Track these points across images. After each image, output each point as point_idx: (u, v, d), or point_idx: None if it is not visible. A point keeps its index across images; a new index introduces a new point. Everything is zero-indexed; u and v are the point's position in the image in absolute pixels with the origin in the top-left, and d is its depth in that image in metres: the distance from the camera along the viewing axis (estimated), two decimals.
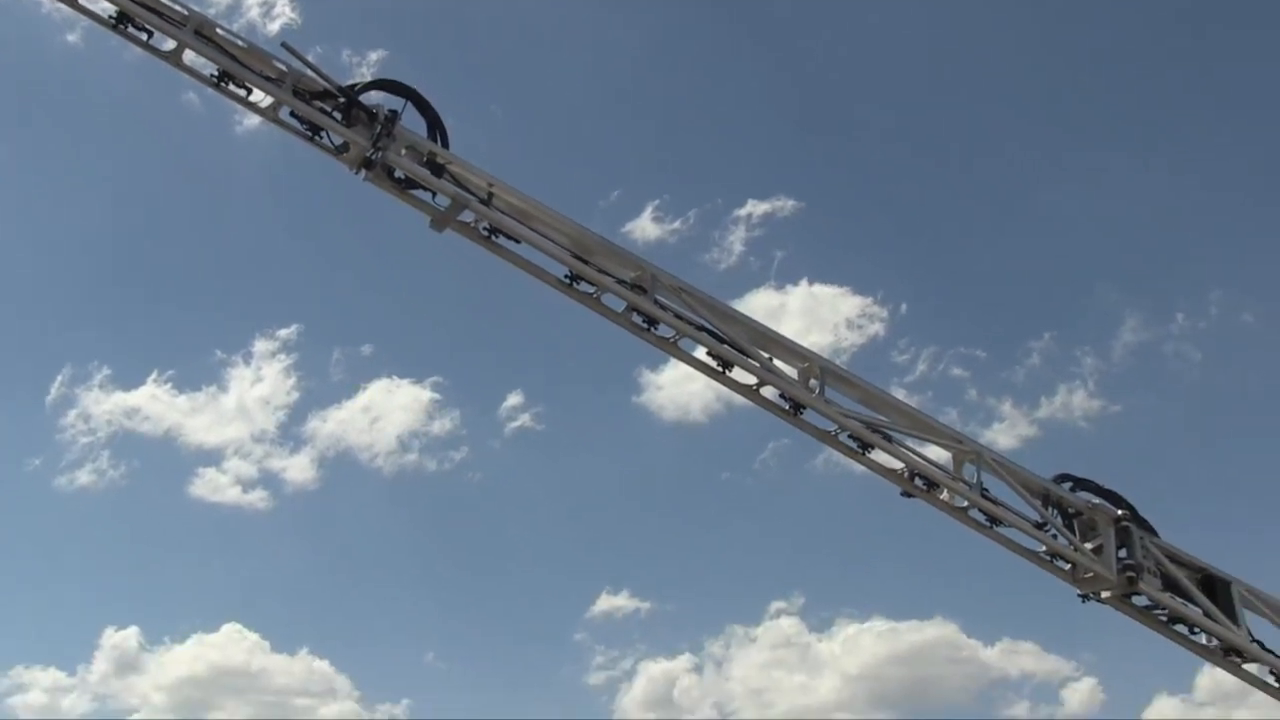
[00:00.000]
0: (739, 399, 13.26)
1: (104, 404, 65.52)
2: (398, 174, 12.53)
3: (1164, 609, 13.44)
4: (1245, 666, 13.82)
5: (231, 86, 12.32)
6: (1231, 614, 13.55)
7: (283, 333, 73.95)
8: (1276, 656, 13.68)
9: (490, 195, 12.70)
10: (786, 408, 12.97)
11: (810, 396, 12.87)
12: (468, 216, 12.72)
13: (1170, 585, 13.38)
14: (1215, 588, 13.64)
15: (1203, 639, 13.64)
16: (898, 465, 13.11)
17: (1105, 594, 13.32)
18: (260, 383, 71.05)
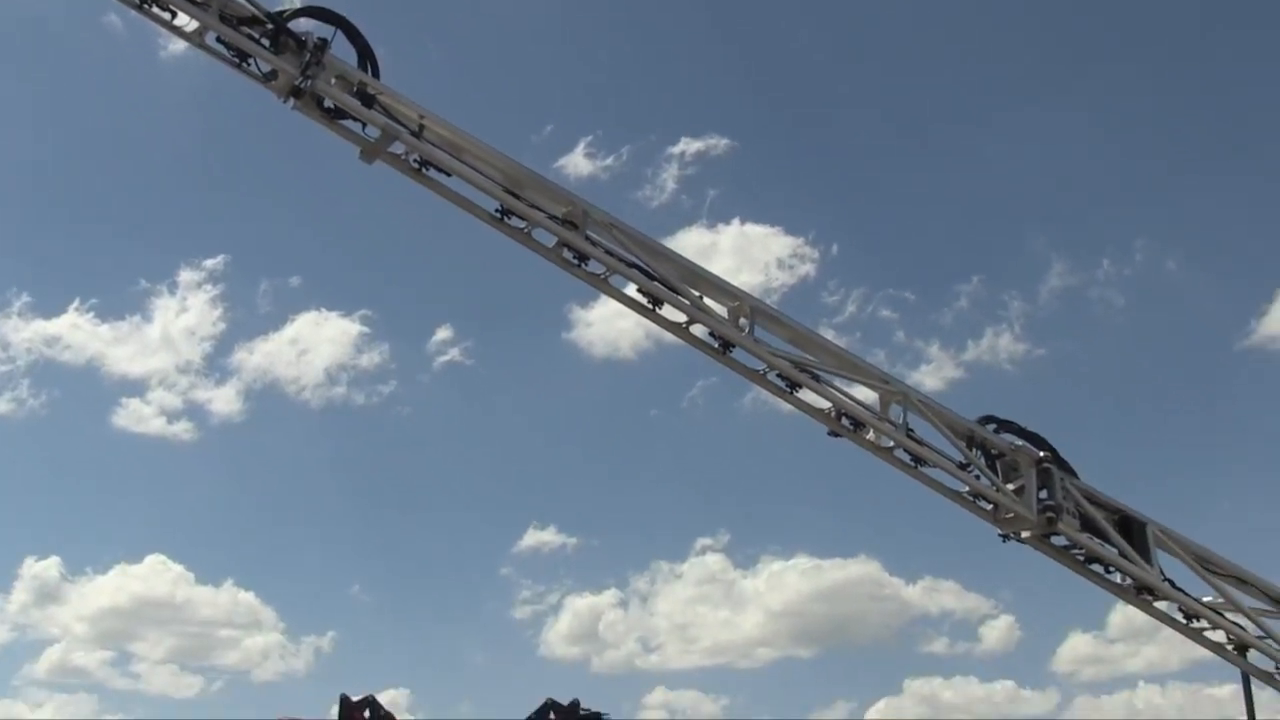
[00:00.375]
0: (669, 337, 13.31)
1: (23, 332, 64.33)
2: (327, 103, 12.33)
3: (1081, 549, 13.71)
4: (1156, 604, 14.17)
5: (155, 9, 12.00)
6: (1145, 554, 13.85)
7: (209, 263, 72.69)
8: (1186, 594, 14.03)
9: (421, 127, 12.53)
10: (716, 346, 13.01)
11: (740, 335, 12.92)
12: (398, 148, 12.57)
13: (1088, 526, 13.64)
14: (1131, 528, 13.92)
15: (1117, 578, 13.95)
16: (825, 405, 13.21)
17: (1025, 534, 13.55)
18: (185, 313, 70.00)
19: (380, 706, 20.61)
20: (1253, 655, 14.45)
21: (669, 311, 12.93)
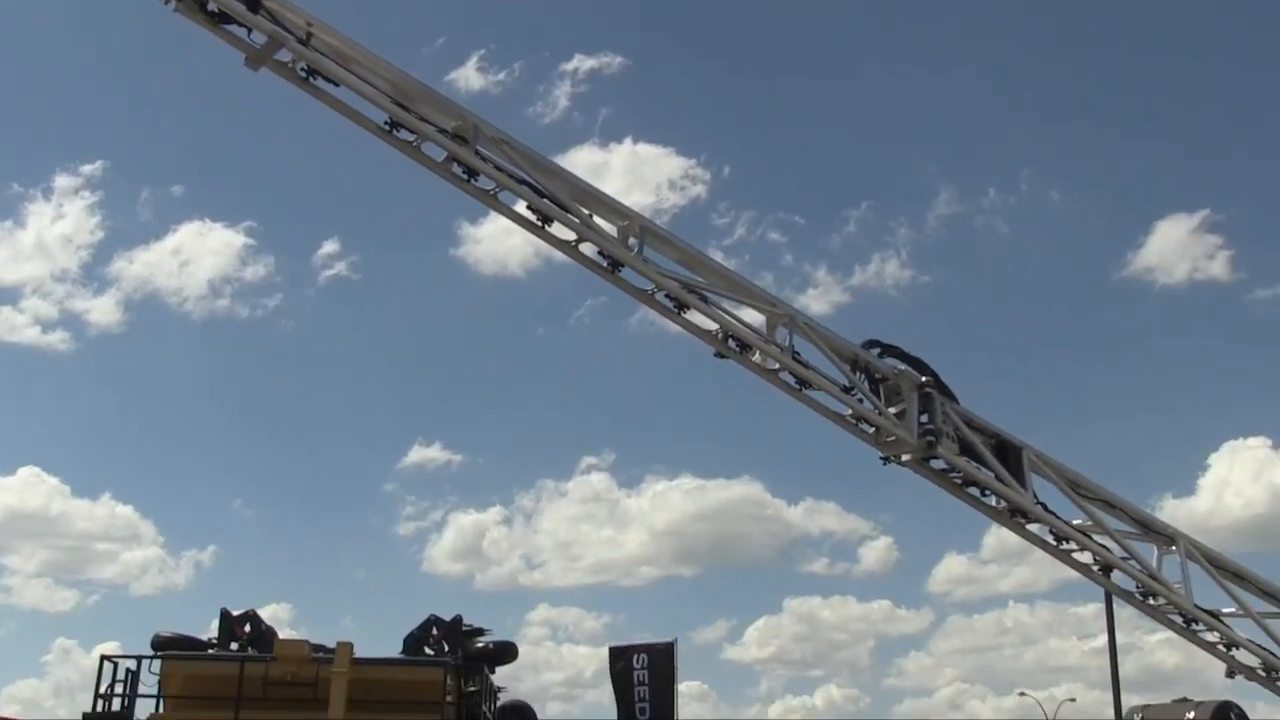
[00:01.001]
0: (557, 255, 13.26)
1: None
2: (211, 7, 11.97)
3: (959, 472, 14.05)
4: (1028, 527, 14.60)
5: None
6: (1020, 478, 14.24)
7: (87, 169, 70.37)
8: (1057, 517, 14.46)
9: (309, 35, 12.25)
10: (605, 265, 13.00)
11: (629, 255, 12.91)
12: (285, 56, 12.27)
13: (966, 450, 13.96)
14: (1007, 453, 14.29)
15: (992, 501, 14.33)
16: (712, 326, 13.30)
17: (905, 457, 13.83)
18: (62, 220, 67.81)
19: (262, 621, 20.39)
20: (1116, 575, 14.97)
21: (558, 229, 12.88)
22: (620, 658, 24.84)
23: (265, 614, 21.14)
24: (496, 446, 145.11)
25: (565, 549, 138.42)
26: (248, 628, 20.08)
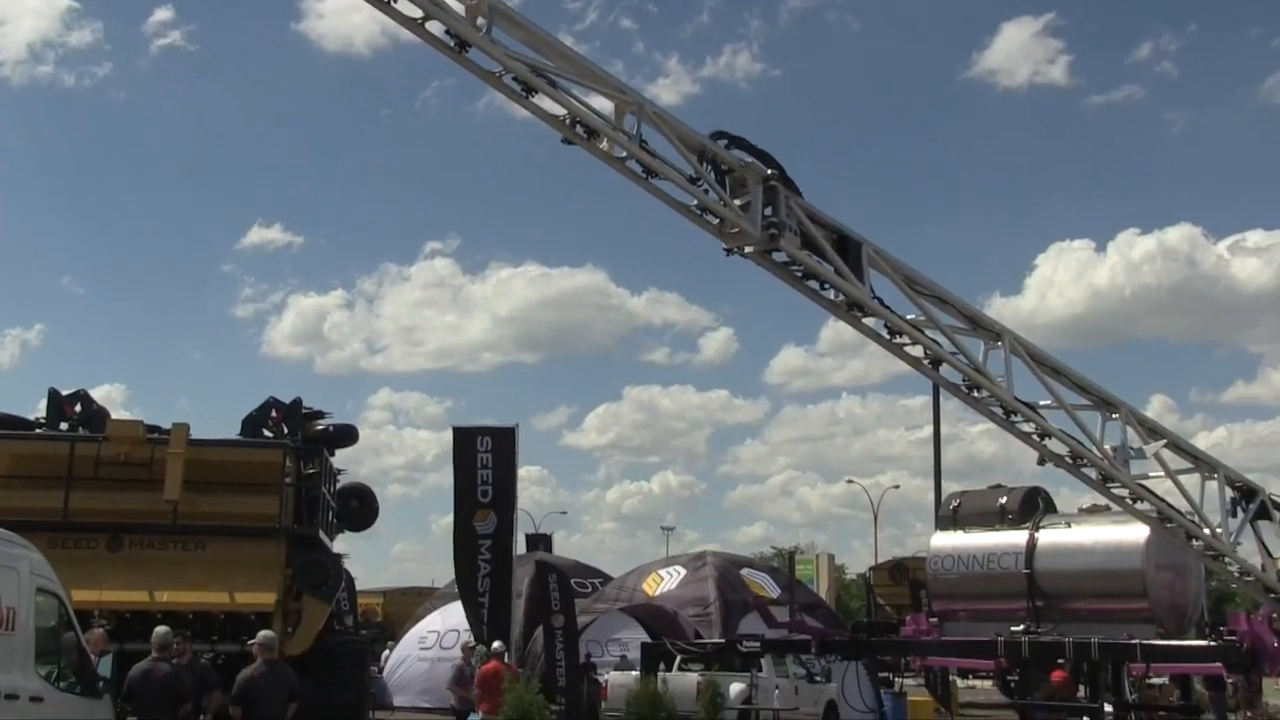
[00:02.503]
0: (404, 34, 12.81)
1: None
2: None
3: (800, 265, 14.26)
4: (865, 321, 14.98)
5: None
6: (859, 273, 14.53)
7: None
8: (892, 312, 14.86)
9: None
10: (452, 45, 12.57)
11: (476, 35, 12.51)
12: None
13: (808, 244, 14.15)
14: (847, 248, 14.53)
15: (831, 294, 14.62)
16: (560, 111, 13.07)
17: (748, 249, 13.96)
18: None
19: (93, 401, 20.00)
20: (944, 369, 15.54)
21: (404, 6, 12.38)
22: (465, 438, 25.12)
23: (97, 395, 20.77)
24: (338, 229, 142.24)
25: (407, 334, 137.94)
26: (78, 407, 19.71)
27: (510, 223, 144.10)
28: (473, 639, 22.64)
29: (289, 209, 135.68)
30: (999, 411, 15.90)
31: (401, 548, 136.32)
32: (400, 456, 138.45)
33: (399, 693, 33.21)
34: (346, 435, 21.83)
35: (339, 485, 21.45)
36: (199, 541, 17.88)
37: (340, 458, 21.44)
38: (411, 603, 42.84)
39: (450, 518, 25.78)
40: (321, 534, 19.23)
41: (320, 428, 21.17)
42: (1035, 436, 16.03)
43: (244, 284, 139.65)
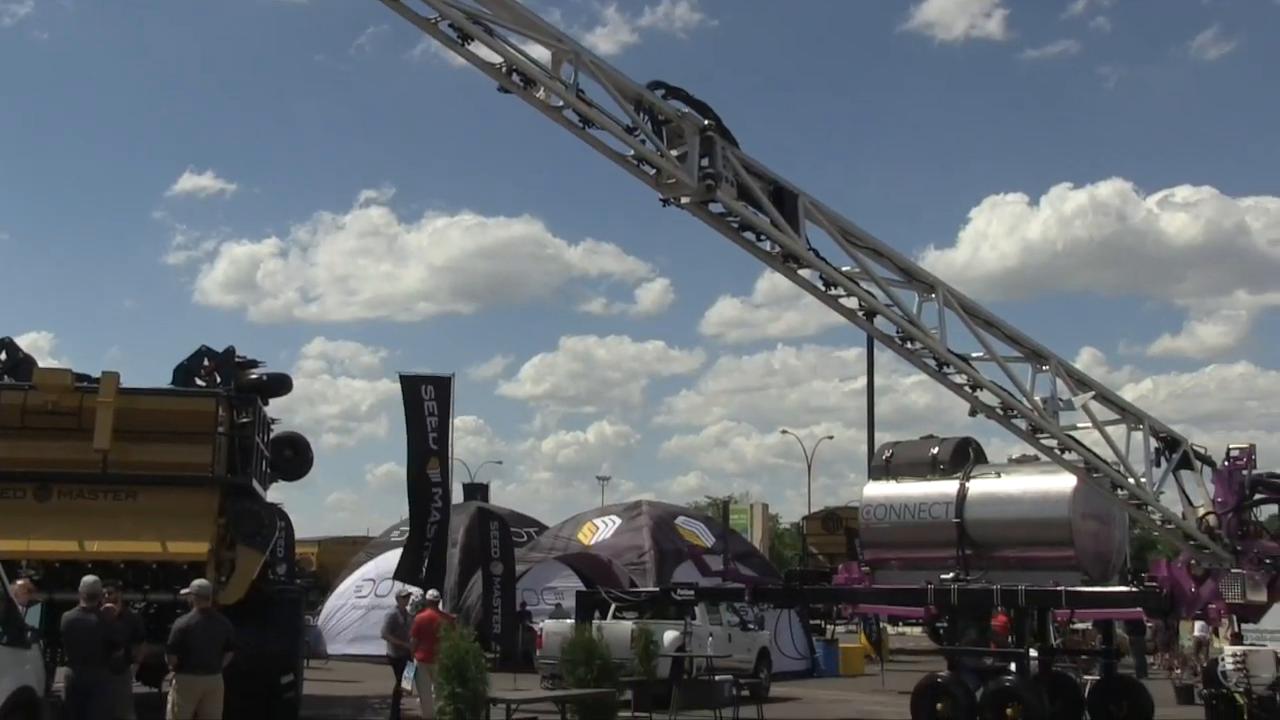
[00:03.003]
0: None
1: None
2: None
3: (736, 216, 14.29)
4: (800, 272, 15.06)
5: None
6: (795, 224, 14.59)
7: None
8: (827, 263, 14.95)
9: None
10: None
11: None
12: None
13: (744, 195, 14.18)
14: (784, 199, 14.58)
15: (767, 245, 14.68)
16: (497, 60, 12.97)
17: (684, 199, 13.97)
18: None
19: (19, 349, 19.70)
20: (879, 321, 15.68)
21: None
22: (412, 386, 25.07)
23: (23, 343, 20.47)
24: (272, 177, 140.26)
25: (342, 283, 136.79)
26: (3, 355, 19.42)
27: (446, 172, 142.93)
28: (408, 588, 22.67)
29: (221, 156, 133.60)
30: (932, 363, 16.08)
31: (336, 497, 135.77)
32: (335, 406, 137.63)
33: (333, 641, 33.24)
34: (280, 384, 21.66)
35: (273, 434, 21.30)
36: (130, 491, 17.70)
37: (274, 407, 21.29)
38: (346, 552, 42.77)
39: (385, 466, 25.82)
40: (255, 483, 19.11)
41: (254, 376, 21.00)
42: (967, 388, 16.24)
43: (175, 231, 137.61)
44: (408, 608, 20.11)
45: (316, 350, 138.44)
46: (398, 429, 24.56)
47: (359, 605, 33.53)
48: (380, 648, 20.65)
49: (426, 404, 24.68)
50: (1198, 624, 25.47)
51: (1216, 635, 23.54)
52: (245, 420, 19.17)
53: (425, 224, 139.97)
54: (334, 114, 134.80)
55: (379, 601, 30.16)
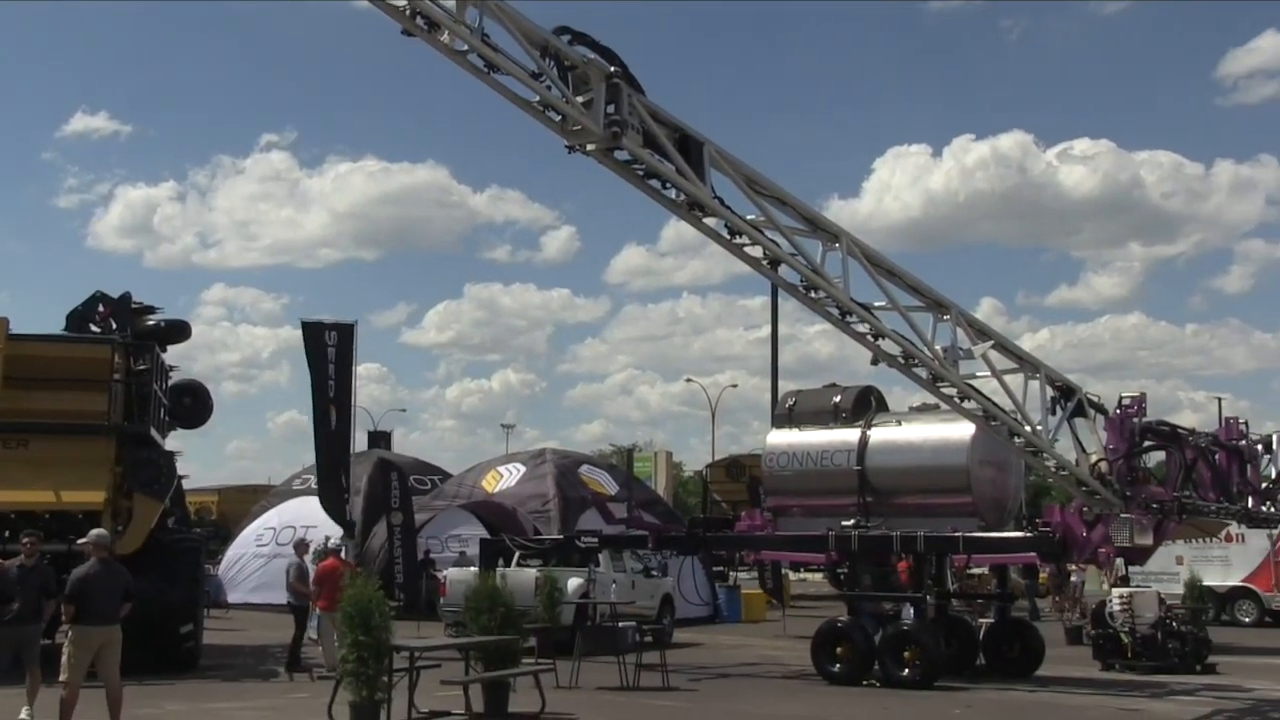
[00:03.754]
0: None
1: None
2: None
3: (642, 164, 14.24)
4: (705, 220, 15.08)
5: None
6: (700, 172, 14.59)
7: None
8: (732, 212, 14.99)
9: None
10: None
11: None
12: None
13: (650, 142, 14.13)
14: (689, 147, 14.56)
15: (672, 194, 14.66)
16: (400, 2, 12.70)
17: (590, 147, 13.87)
18: None
19: None
20: (783, 270, 15.77)
21: None
22: (315, 333, 24.78)
23: None
24: (169, 119, 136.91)
25: (242, 228, 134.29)
26: None
27: (349, 117, 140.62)
28: (308, 536, 22.55)
29: (115, 96, 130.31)
30: (835, 312, 16.23)
31: (237, 445, 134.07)
32: (236, 353, 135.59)
33: (235, 590, 32.93)
34: (179, 331, 21.31)
35: (171, 382, 20.95)
36: (21, 439, 17.35)
37: (172, 354, 20.94)
38: (247, 500, 42.32)
39: (287, 414, 25.61)
40: (153, 431, 18.81)
41: (151, 323, 20.62)
42: (869, 337, 16.42)
43: (67, 173, 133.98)
44: (307, 556, 19.97)
45: (216, 297, 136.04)
46: (300, 376, 24.31)
47: (260, 554, 33.23)
48: (282, 596, 20.50)
49: (329, 350, 24.42)
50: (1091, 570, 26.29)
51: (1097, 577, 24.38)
52: (142, 367, 18.84)
53: (328, 169, 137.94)
54: (234, 55, 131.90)
55: (280, 550, 29.91)
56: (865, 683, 17.97)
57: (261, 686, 17.47)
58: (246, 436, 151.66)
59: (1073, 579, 30.51)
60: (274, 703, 15.74)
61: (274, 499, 36.96)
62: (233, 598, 32.36)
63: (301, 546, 20.35)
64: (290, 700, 15.93)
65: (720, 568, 33.75)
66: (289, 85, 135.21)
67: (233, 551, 35.08)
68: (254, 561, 33.31)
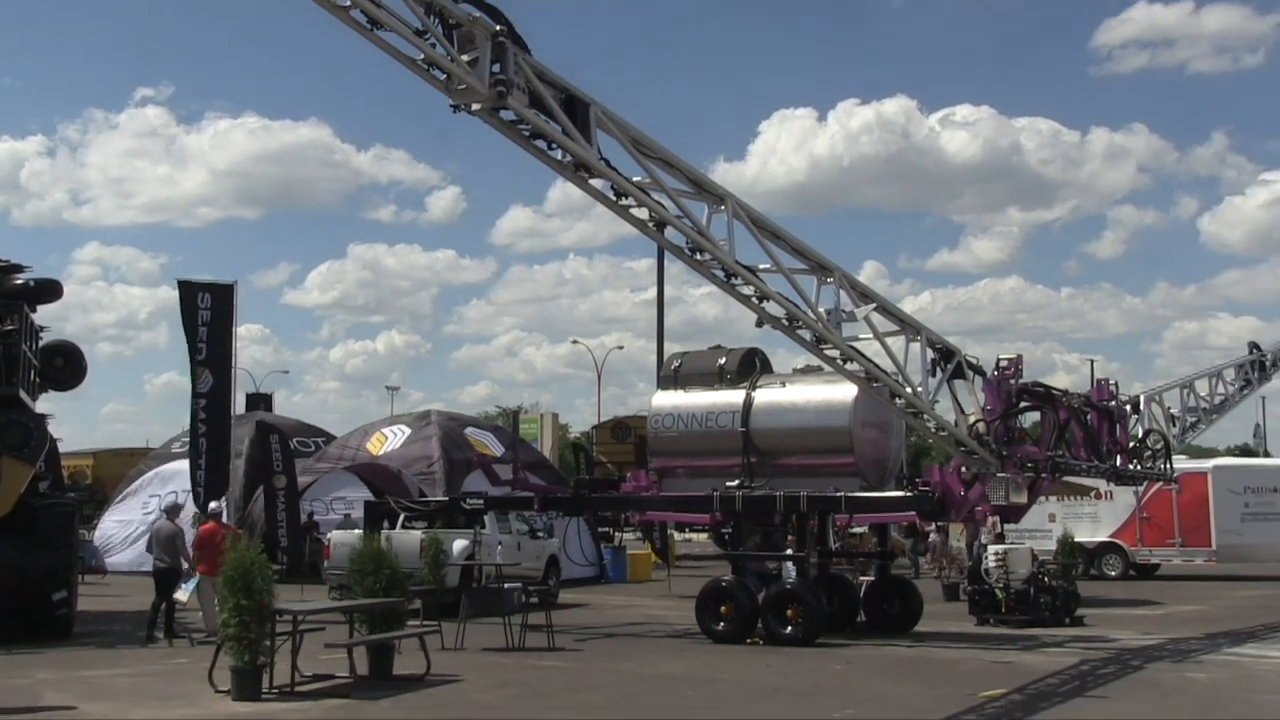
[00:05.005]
0: None
1: None
2: None
3: (528, 124, 14.11)
4: (592, 182, 15.02)
5: None
6: (586, 133, 14.50)
7: None
8: (619, 173, 14.94)
9: None
10: None
11: None
12: None
13: (536, 102, 14.00)
14: (575, 108, 14.46)
15: (558, 154, 14.57)
16: None
17: (475, 106, 13.70)
18: None
19: None
20: (669, 232, 15.79)
21: None
22: (190, 293, 24.29)
23: None
24: (36, 70, 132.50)
25: (117, 185, 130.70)
26: None
27: (228, 72, 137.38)
28: (179, 501, 22.17)
29: None
30: (720, 274, 16.31)
31: (113, 408, 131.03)
32: (112, 314, 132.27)
33: (113, 555, 32.28)
34: (49, 290, 20.69)
35: (42, 343, 20.37)
36: None
37: (43, 314, 20.34)
38: (124, 464, 41.37)
39: (166, 376, 25.19)
40: (22, 393, 18.28)
41: (19, 282, 20.00)
42: (754, 299, 16.53)
43: None
44: (176, 520, 19.60)
45: (90, 255, 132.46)
46: (179, 338, 23.82)
47: (148, 520, 32.59)
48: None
49: (201, 312, 23.94)
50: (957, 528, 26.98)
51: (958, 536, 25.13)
52: (10, 328, 18.28)
53: (206, 126, 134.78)
54: (107, 6, 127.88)
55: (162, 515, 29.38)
56: (749, 641, 18.21)
57: (139, 653, 17.15)
58: (123, 399, 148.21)
59: (931, 537, 31.27)
60: (153, 669, 15.47)
61: (152, 462, 36.24)
62: (112, 563, 31.72)
63: (174, 510, 19.97)
64: (170, 666, 15.67)
65: (606, 529, 33.90)
66: (165, 38, 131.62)
67: (116, 516, 34.36)
68: (141, 528, 32.69)
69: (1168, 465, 24.05)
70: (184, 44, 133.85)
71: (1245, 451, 74.16)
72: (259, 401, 44.87)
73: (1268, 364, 30.87)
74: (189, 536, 19.50)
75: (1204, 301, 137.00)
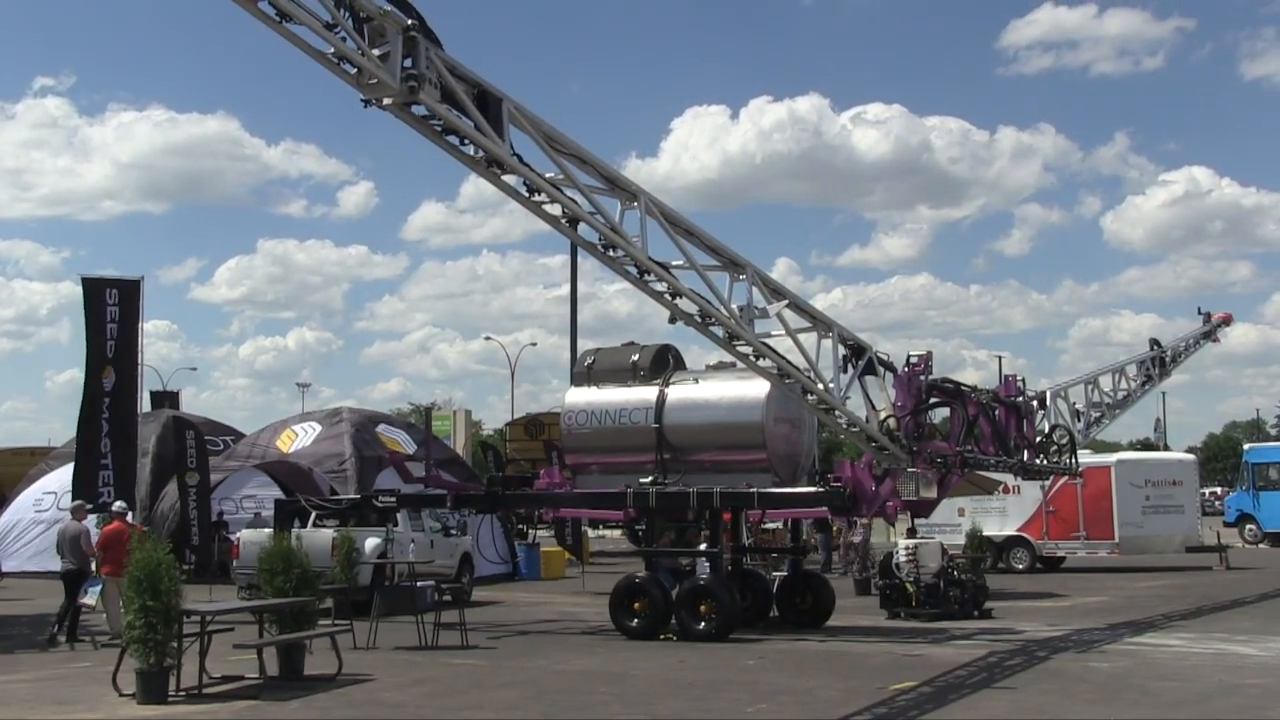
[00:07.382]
0: None
1: None
2: None
3: (440, 119, 14.03)
4: (504, 178, 14.97)
5: None
6: (499, 129, 14.45)
7: None
8: (531, 169, 14.90)
9: None
10: None
11: None
12: None
13: (448, 98, 13.91)
14: (488, 103, 14.39)
15: (471, 150, 14.50)
16: None
17: (387, 101, 13.58)
18: None
19: None
20: (582, 228, 15.78)
21: None
22: (95, 289, 23.78)
23: None
24: None
25: (14, 177, 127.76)
26: None
27: (133, 63, 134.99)
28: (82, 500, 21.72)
29: None
30: (633, 271, 16.33)
31: (12, 405, 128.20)
32: (10, 309, 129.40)
33: (11, 558, 31.55)
34: None
35: None
36: None
37: None
38: (24, 463, 40.39)
39: (68, 373, 24.62)
40: None
41: None
42: (667, 295, 16.58)
43: None
44: (85, 520, 19.20)
45: None
46: (82, 334, 23.28)
47: (40, 520, 31.89)
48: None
49: (109, 309, 23.45)
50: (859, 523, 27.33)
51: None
52: None
53: (110, 117, 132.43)
54: None
55: (61, 515, 28.73)
56: (663, 636, 18.27)
57: (39, 657, 16.81)
58: (22, 396, 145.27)
59: (857, 536, 31.64)
60: (53, 673, 15.16)
61: (53, 461, 35.45)
62: (9, 566, 30.98)
63: (80, 510, 19.57)
64: (72, 670, 15.37)
65: (520, 526, 33.80)
66: (66, 27, 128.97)
67: (8, 517, 33.58)
68: (34, 528, 31.96)
69: (1073, 460, 24.54)
70: (86, 32, 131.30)
71: (1146, 446, 75.91)
72: (165, 399, 44.13)
73: (1168, 360, 31.63)
74: (94, 537, 19.13)
75: (1107, 299, 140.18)
